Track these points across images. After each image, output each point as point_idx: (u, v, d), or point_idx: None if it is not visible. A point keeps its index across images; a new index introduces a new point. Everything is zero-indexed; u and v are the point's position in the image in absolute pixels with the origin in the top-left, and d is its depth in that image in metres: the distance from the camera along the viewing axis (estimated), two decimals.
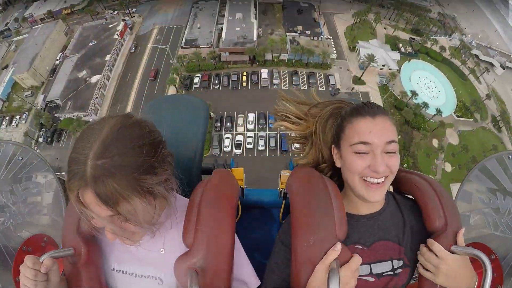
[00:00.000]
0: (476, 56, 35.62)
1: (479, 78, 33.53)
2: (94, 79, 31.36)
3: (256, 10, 41.80)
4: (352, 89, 29.76)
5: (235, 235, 0.89)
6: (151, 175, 0.68)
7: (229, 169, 1.26)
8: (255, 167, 22.85)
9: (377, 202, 0.88)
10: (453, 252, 0.77)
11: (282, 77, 33.72)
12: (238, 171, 1.27)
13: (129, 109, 28.17)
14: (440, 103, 27.99)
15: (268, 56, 34.82)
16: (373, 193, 0.82)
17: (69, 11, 46.29)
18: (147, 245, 0.83)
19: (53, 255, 0.75)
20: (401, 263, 0.87)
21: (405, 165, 22.49)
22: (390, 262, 0.87)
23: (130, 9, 44.96)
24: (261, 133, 27.93)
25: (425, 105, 27.32)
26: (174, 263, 0.77)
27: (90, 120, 25.79)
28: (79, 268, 0.82)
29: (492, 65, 34.87)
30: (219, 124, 26.36)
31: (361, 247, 0.87)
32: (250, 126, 28.37)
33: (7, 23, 47.05)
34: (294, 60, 34.21)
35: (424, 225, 0.88)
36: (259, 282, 0.90)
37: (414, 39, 37.33)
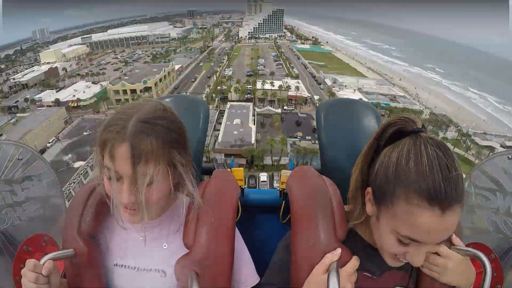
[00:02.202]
0: (476, 143, 40.04)
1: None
2: (77, 164, 31.78)
3: (255, 118, 42.29)
4: None
5: (238, 233, 0.90)
6: (178, 151, 0.76)
7: (229, 170, 1.26)
8: None
9: None
10: None
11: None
12: (238, 171, 1.27)
13: None
14: None
15: (268, 161, 32.92)
16: (397, 264, 0.74)
17: (76, 104, 51.95)
18: (151, 239, 0.85)
19: (53, 257, 0.75)
20: None
21: None
22: None
23: None
24: None
25: None
26: (173, 262, 0.77)
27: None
28: (80, 269, 0.81)
29: (492, 147, 38.62)
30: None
31: (370, 275, 0.83)
32: None
33: (17, 101, 54.42)
34: (295, 164, 33.57)
35: None
36: (257, 280, 0.91)
37: None
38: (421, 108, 52.31)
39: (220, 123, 39.70)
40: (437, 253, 0.77)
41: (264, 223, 1.43)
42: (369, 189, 0.72)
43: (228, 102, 50.28)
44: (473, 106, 60.14)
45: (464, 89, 71.26)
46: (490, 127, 47.66)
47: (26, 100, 52.19)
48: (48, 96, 53.89)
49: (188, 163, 0.80)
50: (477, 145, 39.30)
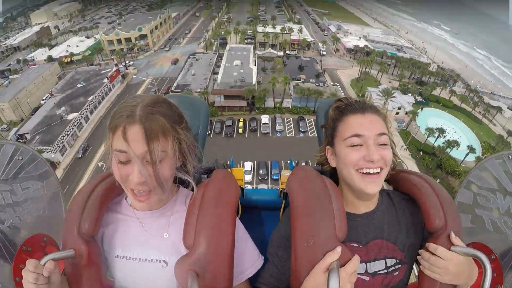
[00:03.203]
0: (483, 101, 38.80)
1: (492, 121, 35.67)
2: (71, 116, 30.96)
3: (256, 59, 40.42)
4: None
5: (240, 223, 0.91)
6: (182, 128, 0.85)
7: (229, 169, 1.26)
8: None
9: (373, 197, 0.90)
10: None
11: (286, 124, 29.82)
12: (238, 171, 1.27)
13: (99, 154, 27.09)
14: (463, 147, 26.96)
15: (270, 103, 31.62)
16: (370, 184, 0.84)
17: (69, 59, 49.81)
18: (151, 230, 0.87)
19: (54, 257, 0.75)
20: (394, 261, 0.89)
21: None
22: (383, 260, 0.89)
23: (127, 61, 47.21)
24: (262, 186, 23.09)
25: (456, 143, 26.13)
26: (174, 264, 0.77)
27: (52, 156, 25.46)
28: (80, 269, 0.82)
29: (500, 108, 37.61)
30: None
31: (357, 245, 0.89)
32: (247, 178, 23.71)
33: (10, 64, 51.91)
34: (299, 107, 30.95)
35: (419, 223, 0.90)
36: (261, 262, 0.93)
37: (420, 89, 39.27)
38: (428, 61, 50.26)
39: (219, 66, 37.94)
40: (437, 255, 0.77)
41: (264, 223, 1.43)
42: (327, 148, 0.97)
43: (227, 45, 47.70)
44: (479, 66, 57.70)
45: (471, 48, 69.06)
46: (497, 88, 45.91)
47: (18, 61, 49.86)
48: (40, 54, 51.37)
49: (191, 140, 0.88)
50: (484, 103, 38.28)
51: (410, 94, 36.43)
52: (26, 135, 28.17)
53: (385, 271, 0.89)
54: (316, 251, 0.74)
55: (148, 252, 0.87)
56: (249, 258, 0.91)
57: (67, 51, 51.88)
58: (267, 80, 32.64)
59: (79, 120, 30.28)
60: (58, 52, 52.08)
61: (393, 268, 0.90)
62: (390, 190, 1.01)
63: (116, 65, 43.39)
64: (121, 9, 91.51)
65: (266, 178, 23.69)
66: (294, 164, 1.47)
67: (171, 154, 0.80)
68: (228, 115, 30.92)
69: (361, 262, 0.87)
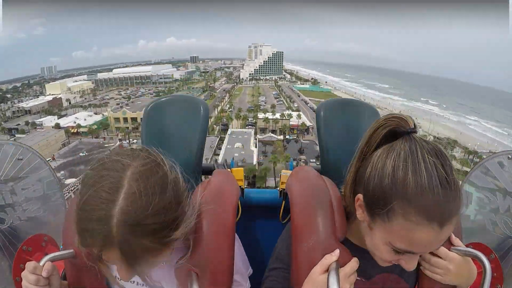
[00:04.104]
0: None
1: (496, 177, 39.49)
2: (69, 181, 31.69)
3: (256, 141, 41.66)
4: None
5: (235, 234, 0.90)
6: (177, 229, 0.65)
7: (229, 170, 1.26)
8: None
9: None
10: None
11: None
12: (238, 171, 1.27)
13: None
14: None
15: (271, 182, 31.33)
16: (388, 265, 0.72)
17: (76, 130, 52.49)
18: None
19: (54, 257, 0.75)
20: None
21: None
22: None
23: (131, 139, 49.58)
24: None
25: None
26: (174, 264, 0.77)
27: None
28: (81, 270, 0.81)
29: (501, 163, 41.52)
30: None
31: (360, 278, 0.82)
32: None
33: (18, 124, 55.45)
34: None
35: None
36: (250, 272, 0.93)
37: None
38: (424, 134, 52.82)
39: (220, 149, 39.19)
40: (438, 255, 0.77)
41: (264, 223, 1.43)
42: (359, 196, 0.68)
43: (229, 129, 50.04)
44: (472, 131, 62.75)
45: (461, 116, 75.24)
46: (494, 146, 48.91)
47: (27, 123, 53.25)
48: (49, 121, 54.75)
49: (188, 214, 0.70)
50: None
51: None
52: None
53: None
54: (316, 251, 0.73)
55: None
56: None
57: (75, 122, 55.01)
58: (268, 160, 34.17)
59: (77, 185, 30.91)
60: (66, 122, 55.11)
61: None
62: None
63: (120, 140, 45.55)
64: (130, 93, 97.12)
65: None
66: (294, 164, 1.47)
67: (164, 257, 0.69)
68: None
69: None
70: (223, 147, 38.87)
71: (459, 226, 0.82)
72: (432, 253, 0.78)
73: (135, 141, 48.65)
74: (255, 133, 48.65)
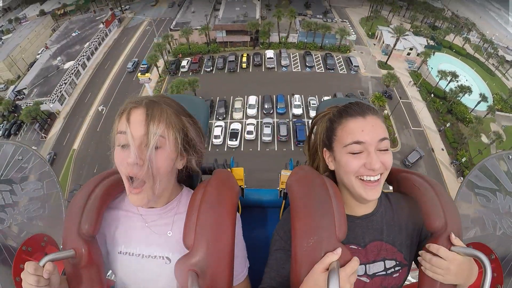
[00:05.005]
0: (497, 54, 35.85)
1: (505, 74, 33.35)
2: (68, 65, 29.67)
3: None
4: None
5: (239, 226, 0.92)
6: (189, 120, 0.86)
7: (229, 169, 1.26)
8: (258, 166, 16.89)
9: (372, 202, 0.90)
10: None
11: (292, 59, 27.68)
12: (238, 171, 1.28)
13: (99, 98, 26.15)
14: (475, 96, 24.98)
15: (274, 38, 29.49)
16: (371, 191, 0.83)
17: (62, 11, 47.17)
18: (155, 227, 0.87)
19: (54, 258, 0.75)
20: (393, 263, 0.89)
21: (463, 159, 20.02)
22: (382, 262, 0.89)
23: (123, 6, 44.79)
24: (267, 120, 21.45)
25: (468, 89, 24.05)
26: (174, 264, 0.77)
27: (51, 106, 25.01)
28: (80, 269, 0.82)
29: None
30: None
31: (356, 247, 0.89)
32: (252, 112, 22.08)
33: (2, 25, 48.89)
34: (306, 42, 28.80)
35: (419, 224, 0.90)
36: (247, 265, 0.95)
37: (434, 33, 36.87)
38: (443, 7, 47.04)
39: (220, 3, 35.34)
40: (439, 255, 0.77)
41: (264, 223, 1.43)
42: (324, 150, 0.94)
43: None
44: (494, 20, 52.27)
45: (487, 1, 63.96)
46: None
47: (10, 21, 46.81)
48: (32, 10, 48.52)
49: (197, 131, 0.90)
50: (498, 56, 35.38)
51: (422, 37, 34.31)
52: (24, 90, 27.44)
53: (384, 272, 0.89)
54: (316, 251, 0.73)
55: (151, 248, 0.87)
56: (240, 260, 0.92)
57: (59, 2, 49.03)
58: (272, 14, 30.89)
59: (76, 67, 29.27)
60: (50, 5, 49.17)
61: (392, 270, 0.90)
62: (389, 192, 1.01)
63: (111, 9, 41.52)
64: None
65: (271, 112, 22.38)
66: (294, 164, 1.47)
67: (171, 144, 0.80)
68: (230, 51, 29.32)
69: (360, 264, 0.87)
70: (223, 0, 35.41)
71: (459, 226, 0.82)
72: (433, 253, 0.78)
73: (127, 7, 44.81)
74: None
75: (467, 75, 31.01)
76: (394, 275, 0.90)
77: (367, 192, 0.83)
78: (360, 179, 0.84)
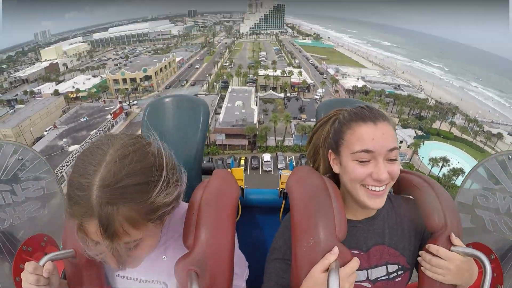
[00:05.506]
0: (483, 130, 39.65)
1: (494, 148, 36.51)
2: (72, 148, 31.15)
3: (257, 100, 41.34)
4: None
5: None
6: (157, 194, 0.65)
7: (229, 169, 1.26)
8: None
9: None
10: None
11: (288, 162, 29.00)
12: (238, 171, 1.27)
13: None
14: None
15: (271, 142, 31.63)
16: (375, 200, 0.81)
17: (75, 95, 51.59)
18: (151, 253, 0.84)
19: (54, 257, 0.75)
20: (395, 267, 0.88)
21: None
22: (385, 266, 0.87)
23: (131, 100, 49.15)
24: None
25: (460, 171, 26.21)
26: (173, 273, 0.77)
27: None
28: (81, 269, 0.81)
29: (501, 134, 38.44)
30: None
31: (358, 252, 0.87)
32: None
33: (17, 94, 54.66)
34: (301, 145, 30.69)
35: (420, 226, 0.89)
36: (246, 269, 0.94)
37: (421, 123, 40.63)
38: (426, 97, 51.87)
39: (221, 107, 38.40)
40: (438, 256, 0.77)
41: (264, 223, 1.43)
42: (330, 151, 0.90)
43: (229, 87, 49.14)
44: (474, 99, 60.79)
45: (464, 82, 73.53)
46: (495, 116, 47.89)
47: (25, 92, 51.95)
48: (47, 88, 53.46)
49: (174, 191, 0.71)
50: (484, 131, 38.73)
51: (410, 129, 37.32)
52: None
53: (386, 277, 0.88)
54: (316, 251, 0.73)
55: (149, 273, 0.86)
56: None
57: (73, 87, 54.07)
58: (269, 119, 33.56)
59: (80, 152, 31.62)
60: (64, 87, 54.11)
61: (395, 274, 0.88)
62: (390, 194, 0.99)
63: (120, 102, 44.59)
64: (127, 53, 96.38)
65: None
66: (294, 164, 1.47)
67: (147, 235, 0.68)
68: (229, 153, 31.14)
69: (362, 269, 0.86)
70: (224, 105, 38.02)
71: (459, 226, 0.82)
72: (433, 254, 0.78)
73: (135, 102, 47.85)
74: (256, 91, 47.61)
75: (458, 157, 33.43)
76: (397, 280, 0.88)
77: (372, 201, 0.81)
78: (365, 187, 0.81)
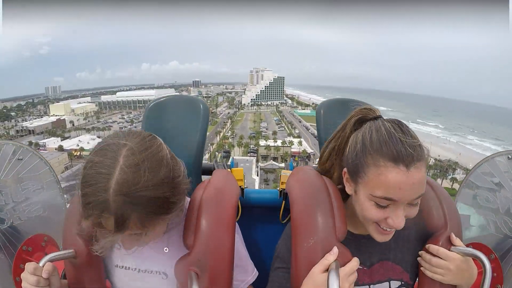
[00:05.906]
0: None
1: None
2: None
3: (258, 170, 42.02)
4: None
5: (239, 230, 0.90)
6: (171, 207, 0.70)
7: (229, 170, 1.26)
8: None
9: None
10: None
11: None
12: (238, 171, 1.27)
13: None
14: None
15: None
16: (384, 237, 0.76)
17: (79, 153, 52.56)
18: (152, 244, 0.84)
19: (54, 258, 0.75)
20: (398, 283, 0.85)
21: None
22: (387, 283, 0.85)
23: None
24: None
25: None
26: (174, 265, 0.77)
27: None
28: (81, 269, 0.81)
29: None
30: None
31: (361, 267, 0.84)
32: None
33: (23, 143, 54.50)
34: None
35: (422, 231, 0.87)
36: (255, 276, 0.93)
37: None
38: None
39: None
40: (438, 256, 0.77)
41: (264, 223, 1.43)
42: (345, 170, 0.79)
43: (230, 157, 51.27)
44: (471, 151, 63.75)
45: (461, 137, 76.72)
46: None
47: (30, 143, 53.01)
48: (52, 142, 55.32)
49: (183, 196, 0.75)
50: None
51: None
52: None
53: None
54: (316, 251, 0.73)
55: (148, 263, 0.86)
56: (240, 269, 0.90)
57: (78, 145, 55.55)
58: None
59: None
60: (69, 144, 55.71)
61: None
62: None
63: None
64: (133, 117, 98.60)
65: None
66: (294, 165, 1.47)
67: (157, 229, 0.73)
68: None
69: (364, 285, 0.84)
70: None
71: (459, 226, 0.82)
72: (433, 254, 0.78)
73: None
74: (257, 161, 49.65)
75: (463, 212, 35.58)
76: None
77: (380, 237, 0.76)
78: (377, 224, 0.75)
